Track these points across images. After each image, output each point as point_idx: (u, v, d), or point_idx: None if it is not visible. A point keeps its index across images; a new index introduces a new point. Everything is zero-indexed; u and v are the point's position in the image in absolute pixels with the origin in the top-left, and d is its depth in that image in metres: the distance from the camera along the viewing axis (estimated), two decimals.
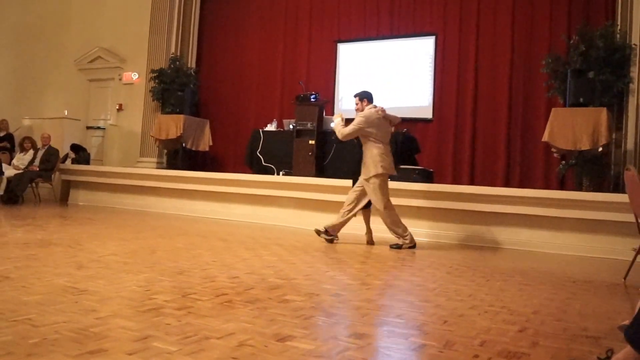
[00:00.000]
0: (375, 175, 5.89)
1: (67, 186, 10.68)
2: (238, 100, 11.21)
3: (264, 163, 8.75)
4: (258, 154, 8.81)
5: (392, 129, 6.39)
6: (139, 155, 11.26)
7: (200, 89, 11.32)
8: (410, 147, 8.11)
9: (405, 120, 9.12)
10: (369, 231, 6.34)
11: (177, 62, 10.89)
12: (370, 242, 6.28)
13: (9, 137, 10.87)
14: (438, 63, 9.33)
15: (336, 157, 8.13)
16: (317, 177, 7.91)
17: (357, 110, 6.20)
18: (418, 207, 7.01)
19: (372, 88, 9.62)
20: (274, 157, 8.72)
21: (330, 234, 6.14)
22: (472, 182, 8.57)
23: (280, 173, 8.49)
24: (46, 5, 12.54)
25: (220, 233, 6.60)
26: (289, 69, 10.67)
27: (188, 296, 3.10)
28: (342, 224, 6.14)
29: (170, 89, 10.58)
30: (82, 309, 2.71)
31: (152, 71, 10.83)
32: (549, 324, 2.99)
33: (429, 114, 9.32)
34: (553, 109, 7.23)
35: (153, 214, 8.71)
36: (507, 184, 8.44)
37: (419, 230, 6.74)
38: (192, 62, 11.61)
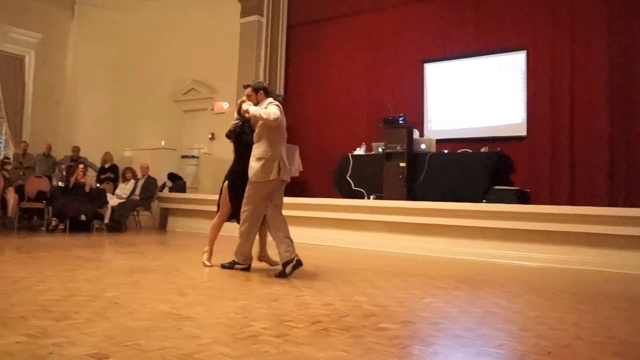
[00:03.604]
0: (268, 181, 5.10)
1: (165, 213, 11.17)
2: (325, 125, 11.32)
3: (353, 187, 8.75)
4: (347, 178, 8.83)
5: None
6: None
7: (288, 115, 11.48)
8: (504, 167, 7.84)
9: (497, 139, 8.91)
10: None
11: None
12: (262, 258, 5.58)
13: (114, 168, 11.53)
14: (530, 78, 9.00)
15: (428, 180, 7.98)
16: (409, 200, 7.81)
17: (248, 102, 5.26)
18: (514, 230, 6.74)
19: (461, 107, 9.61)
20: (363, 181, 8.69)
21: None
22: (572, 202, 8.13)
23: (371, 197, 8.44)
24: (141, 43, 13.27)
25: (310, 258, 6.60)
26: (375, 91, 10.67)
27: (284, 323, 3.10)
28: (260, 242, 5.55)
29: None
30: (185, 335, 2.77)
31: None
32: None
33: (522, 132, 8.98)
34: None
35: None
36: (611, 203, 7.93)
37: (514, 253, 6.49)
38: (280, 90, 11.83)
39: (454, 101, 9.70)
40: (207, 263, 5.52)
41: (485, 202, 7.18)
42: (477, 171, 7.63)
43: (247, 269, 5.32)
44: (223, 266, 5.37)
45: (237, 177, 5.38)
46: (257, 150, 5.09)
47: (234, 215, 5.55)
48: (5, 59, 12.11)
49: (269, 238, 5.51)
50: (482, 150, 8.15)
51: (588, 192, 8.30)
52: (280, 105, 5.13)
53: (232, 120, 5.64)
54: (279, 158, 5.10)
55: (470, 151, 8.24)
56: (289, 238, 5.13)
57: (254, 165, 5.08)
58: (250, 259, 5.36)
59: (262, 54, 11.73)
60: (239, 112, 5.41)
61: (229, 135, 5.54)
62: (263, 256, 5.63)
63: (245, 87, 5.40)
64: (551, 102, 8.80)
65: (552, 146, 8.70)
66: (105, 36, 13.21)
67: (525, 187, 7.95)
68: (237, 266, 5.30)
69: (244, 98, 5.38)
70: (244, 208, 5.17)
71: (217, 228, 5.65)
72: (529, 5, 9.18)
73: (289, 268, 4.96)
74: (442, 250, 7.30)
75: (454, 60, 9.82)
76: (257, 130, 5.13)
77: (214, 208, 9.70)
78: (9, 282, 4.15)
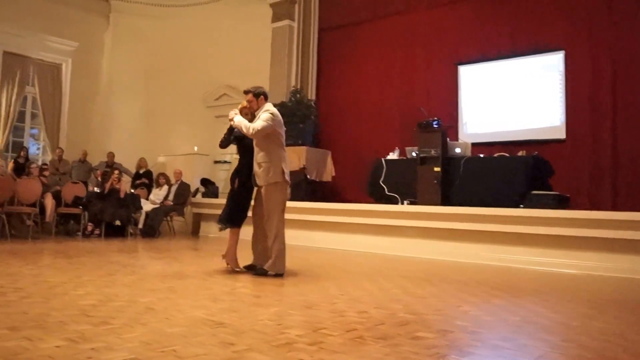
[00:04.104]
0: (279, 183, 5.21)
1: (198, 219, 11.26)
2: (357, 130, 11.26)
3: (387, 192, 8.66)
4: (381, 183, 8.75)
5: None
6: None
7: (321, 120, 11.51)
8: (542, 171, 7.65)
9: (534, 143, 8.73)
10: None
11: (298, 95, 11.12)
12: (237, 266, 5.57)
13: (148, 174, 11.68)
14: (569, 79, 8.79)
15: (463, 184, 7.85)
16: (443, 205, 7.70)
17: (249, 108, 5.38)
18: (553, 236, 6.57)
19: (497, 109, 9.45)
20: (397, 185, 8.59)
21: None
22: (614, 208, 7.89)
23: (405, 202, 8.35)
24: (175, 50, 13.44)
25: (344, 264, 6.58)
26: (408, 95, 10.57)
27: (319, 331, 3.07)
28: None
29: (292, 121, 10.84)
30: (220, 342, 2.76)
31: (274, 105, 11.16)
32: None
33: (561, 134, 8.75)
34: None
35: None
36: None
37: (554, 260, 6.32)
38: (311, 94, 11.83)
39: (489, 104, 9.53)
40: (238, 268, 5.55)
41: (522, 207, 7.03)
42: (514, 175, 7.48)
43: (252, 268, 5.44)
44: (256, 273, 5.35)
45: (240, 180, 5.46)
46: (257, 156, 5.25)
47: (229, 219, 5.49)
48: (43, 67, 12.41)
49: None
50: (519, 154, 7.99)
51: (631, 196, 8.01)
52: (275, 114, 5.25)
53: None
54: (278, 162, 5.20)
55: (507, 155, 8.08)
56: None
57: (257, 171, 5.25)
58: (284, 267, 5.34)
59: (294, 58, 11.76)
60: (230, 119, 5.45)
61: (220, 145, 5.66)
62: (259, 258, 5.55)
63: (246, 92, 5.49)
64: (591, 103, 8.56)
65: (593, 149, 8.46)
66: (139, 43, 13.43)
67: (565, 191, 7.74)
68: (275, 275, 5.26)
69: (245, 103, 5.46)
70: (267, 221, 5.24)
71: (237, 233, 5.59)
72: (565, 4, 8.96)
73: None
74: (478, 256, 7.16)
75: (489, 62, 9.64)
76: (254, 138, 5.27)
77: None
78: (48, 286, 4.22)
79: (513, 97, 9.29)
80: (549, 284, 5.47)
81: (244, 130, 5.13)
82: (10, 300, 3.64)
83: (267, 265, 5.25)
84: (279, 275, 5.22)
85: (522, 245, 6.88)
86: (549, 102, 8.93)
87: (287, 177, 5.28)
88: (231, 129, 5.47)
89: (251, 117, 5.34)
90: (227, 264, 5.55)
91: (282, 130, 5.39)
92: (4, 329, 2.85)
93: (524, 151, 8.07)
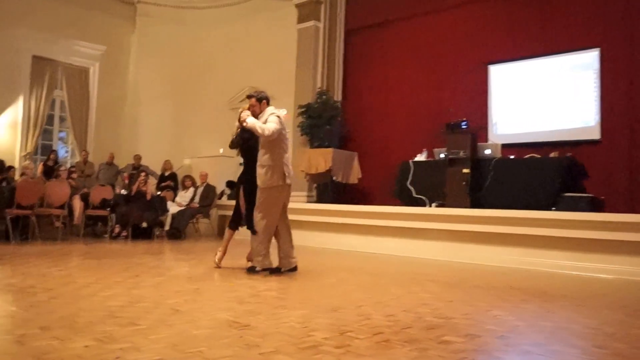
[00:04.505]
0: (277, 187, 5.39)
1: (224, 221, 11.30)
2: (385, 131, 11.17)
3: (414, 195, 8.58)
4: (408, 185, 8.67)
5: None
6: None
7: (347, 122, 11.46)
8: (576, 172, 7.47)
9: (567, 144, 8.53)
10: (225, 252, 5.91)
11: (324, 96, 11.06)
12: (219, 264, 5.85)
13: (174, 177, 11.78)
14: (604, 78, 8.55)
15: (493, 187, 7.72)
16: (472, 207, 7.59)
17: (252, 112, 5.55)
18: (587, 239, 6.41)
19: (529, 110, 9.28)
20: (425, 188, 8.49)
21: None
22: None
23: (433, 204, 8.25)
24: (199, 51, 13.54)
25: (371, 267, 6.53)
26: (437, 96, 10.44)
27: (345, 334, 3.04)
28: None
29: (318, 123, 10.82)
30: (246, 344, 2.76)
31: (300, 106, 11.15)
32: None
33: (595, 135, 8.50)
34: None
35: (303, 248, 8.82)
36: None
37: (587, 264, 6.16)
38: (338, 95, 11.78)
39: (520, 104, 9.36)
40: (219, 265, 5.85)
41: (555, 210, 6.88)
42: (546, 177, 7.32)
43: (277, 270, 5.52)
44: (249, 271, 5.55)
45: (246, 183, 5.69)
46: (261, 158, 5.43)
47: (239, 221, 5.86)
48: (71, 71, 12.63)
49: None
50: (552, 155, 7.83)
51: None
52: (280, 117, 5.43)
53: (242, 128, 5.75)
54: (281, 165, 5.38)
55: (539, 156, 7.93)
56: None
57: (259, 172, 5.43)
58: (270, 262, 5.55)
59: (320, 59, 11.72)
60: (239, 120, 5.61)
61: (232, 145, 5.92)
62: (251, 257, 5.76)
63: (249, 97, 5.68)
64: (628, 102, 8.30)
65: (630, 150, 8.19)
66: (165, 46, 13.57)
67: (599, 194, 7.53)
68: (262, 272, 5.46)
69: (246, 106, 5.65)
70: (258, 216, 5.42)
71: (231, 232, 5.92)
72: (600, 0, 8.75)
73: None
74: (508, 260, 7.03)
75: (520, 61, 9.44)
76: (260, 139, 5.44)
77: None
78: (77, 287, 4.27)
79: (545, 97, 9.10)
80: (582, 289, 5.34)
81: (259, 131, 5.27)
82: (41, 300, 3.70)
83: (255, 261, 5.51)
84: (270, 270, 5.44)
85: (554, 249, 6.72)
86: (582, 101, 8.71)
87: (289, 180, 5.46)
88: (242, 129, 5.60)
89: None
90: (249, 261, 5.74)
91: (286, 132, 5.56)
92: (35, 329, 2.89)
93: (557, 152, 7.90)
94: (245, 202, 5.70)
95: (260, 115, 5.50)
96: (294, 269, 5.59)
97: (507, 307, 4.21)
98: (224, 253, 5.92)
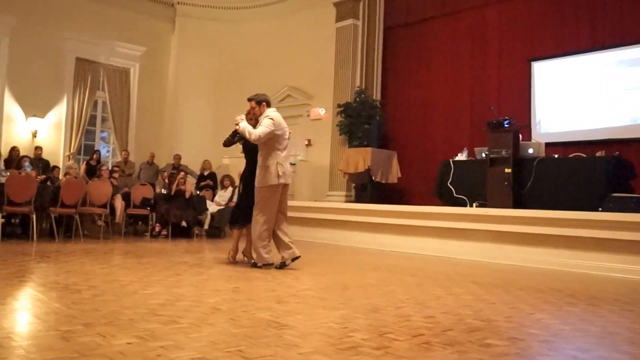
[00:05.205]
0: (271, 186, 5.67)
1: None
2: (425, 130, 11.08)
3: (455, 195, 8.46)
4: (449, 185, 8.56)
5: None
6: (328, 189, 11.62)
7: (386, 121, 11.39)
8: (623, 172, 7.25)
9: (615, 142, 8.27)
10: (237, 249, 6.22)
11: (363, 95, 11.03)
12: (234, 259, 6.19)
13: (213, 176, 11.89)
14: None
15: (536, 186, 7.56)
16: (515, 208, 7.43)
17: (252, 115, 5.92)
18: (635, 241, 6.19)
19: (574, 107, 9.03)
20: (466, 188, 8.39)
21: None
22: None
23: (474, 205, 8.12)
24: (241, 51, 13.70)
25: (410, 268, 6.46)
26: (478, 94, 10.30)
27: (384, 335, 3.01)
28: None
29: (357, 122, 10.77)
30: (286, 343, 2.75)
31: (338, 105, 11.14)
32: None
33: None
34: None
35: (342, 248, 8.87)
36: None
37: (636, 267, 5.94)
38: (377, 94, 11.73)
39: (565, 101, 9.13)
40: (232, 260, 6.20)
41: (601, 211, 6.68)
42: (592, 177, 7.13)
43: (271, 265, 5.83)
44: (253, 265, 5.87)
45: (242, 181, 6.13)
46: (260, 158, 5.77)
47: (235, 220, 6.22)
48: (112, 72, 12.94)
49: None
50: (598, 154, 7.64)
51: None
52: (274, 118, 5.69)
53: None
54: (275, 165, 5.66)
55: (584, 155, 7.72)
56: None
57: (257, 171, 5.77)
58: (270, 258, 5.86)
59: (358, 58, 11.70)
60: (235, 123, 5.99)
61: (224, 144, 6.35)
62: (247, 251, 6.13)
63: (250, 100, 6.00)
64: None
65: None
66: (204, 47, 13.76)
67: None
68: (262, 266, 5.77)
69: (249, 109, 6.00)
70: (255, 213, 5.76)
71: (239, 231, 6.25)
72: None
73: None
74: (552, 262, 6.85)
75: (566, 58, 9.23)
76: None
77: (311, 215, 9.91)
78: (119, 285, 4.35)
79: (591, 94, 8.86)
80: (631, 293, 5.17)
81: (246, 135, 5.68)
82: (85, 297, 3.77)
83: (256, 257, 5.83)
84: (268, 265, 5.77)
85: (600, 251, 6.52)
86: (631, 98, 8.43)
87: (283, 179, 5.69)
88: (235, 131, 6.02)
89: (255, 122, 5.84)
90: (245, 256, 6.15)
91: (283, 132, 5.81)
92: (79, 325, 2.95)
93: (603, 151, 7.69)
94: (237, 199, 6.19)
95: (261, 116, 5.81)
96: (297, 257, 5.89)
97: (551, 310, 4.10)
98: (236, 251, 6.23)
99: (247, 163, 6.10)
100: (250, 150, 5.98)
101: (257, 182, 5.74)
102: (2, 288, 4.07)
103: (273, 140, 5.71)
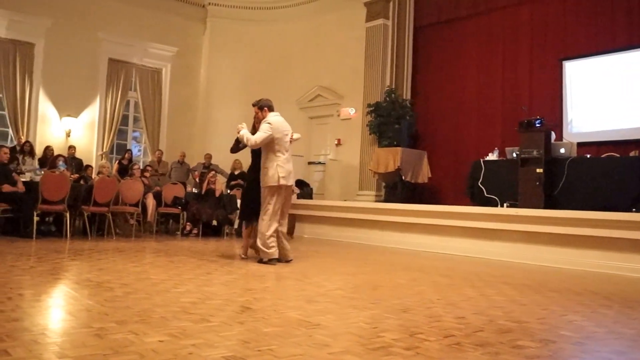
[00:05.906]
0: (270, 187, 5.93)
1: (293, 220, 11.39)
2: (455, 130, 10.97)
3: (486, 194, 8.37)
4: (480, 185, 8.47)
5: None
6: (358, 189, 11.60)
7: (416, 121, 11.31)
8: None
9: None
10: (248, 245, 6.47)
11: (393, 95, 10.98)
12: (245, 255, 6.44)
13: (243, 175, 11.93)
14: None
15: (568, 187, 7.44)
16: (546, 208, 7.32)
17: (256, 119, 6.26)
18: None
19: (607, 107, 8.84)
20: (497, 188, 8.30)
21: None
22: None
23: (505, 205, 8.03)
24: (272, 51, 13.76)
25: (441, 268, 6.42)
26: (510, 93, 10.16)
27: (415, 335, 3.00)
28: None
29: (387, 122, 10.73)
30: (316, 343, 2.76)
31: (368, 105, 11.12)
32: None
33: None
34: None
35: (373, 247, 8.84)
36: None
37: None
38: (407, 94, 11.68)
39: (598, 101, 8.94)
40: (243, 256, 6.46)
41: (635, 212, 6.54)
42: (625, 177, 6.99)
43: (276, 260, 6.04)
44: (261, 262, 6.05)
45: (252, 182, 6.34)
46: (262, 160, 6.10)
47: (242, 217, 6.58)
48: (144, 72, 13.14)
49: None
50: (631, 154, 7.48)
51: None
52: (272, 122, 5.98)
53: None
54: (274, 167, 5.94)
55: (617, 155, 7.56)
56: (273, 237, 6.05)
57: (261, 172, 6.07)
58: (273, 253, 6.05)
59: (389, 57, 11.65)
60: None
61: (231, 150, 6.79)
62: (254, 244, 6.33)
63: (253, 105, 6.34)
64: None
65: None
66: (235, 47, 13.87)
67: None
68: (268, 261, 5.97)
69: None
70: (261, 211, 6.05)
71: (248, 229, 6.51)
72: None
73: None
74: (585, 263, 6.73)
75: (599, 57, 9.04)
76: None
77: (341, 214, 9.92)
78: (151, 283, 4.41)
79: (624, 93, 8.66)
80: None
81: (246, 142, 6.06)
82: (117, 295, 3.83)
83: (261, 253, 6.06)
84: (272, 260, 5.96)
85: (635, 253, 6.39)
86: None
87: (284, 181, 5.95)
88: (239, 137, 6.32)
89: (259, 126, 6.14)
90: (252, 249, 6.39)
91: (283, 135, 6.08)
92: (112, 322, 3.00)
93: (637, 151, 7.52)
94: (241, 198, 6.51)
95: (263, 121, 6.10)
96: (289, 261, 6.19)
97: (584, 312, 4.04)
98: (247, 247, 6.49)
99: (252, 161, 6.42)
100: (255, 150, 6.28)
101: (261, 182, 6.06)
102: (36, 285, 4.17)
103: (273, 143, 5.99)
